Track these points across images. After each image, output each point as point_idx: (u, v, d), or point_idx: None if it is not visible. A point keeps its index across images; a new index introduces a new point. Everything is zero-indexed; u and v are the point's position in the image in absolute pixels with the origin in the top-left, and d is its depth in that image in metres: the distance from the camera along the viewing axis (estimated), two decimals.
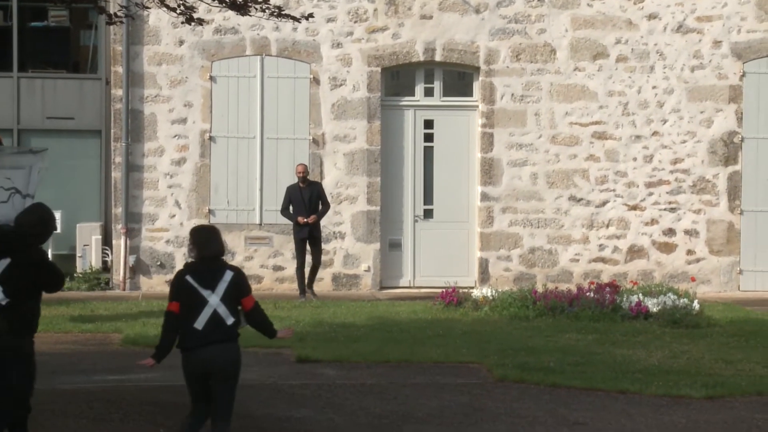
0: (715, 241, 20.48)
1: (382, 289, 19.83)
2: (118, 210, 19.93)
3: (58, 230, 8.99)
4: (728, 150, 20.45)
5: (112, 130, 20.05)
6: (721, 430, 10.55)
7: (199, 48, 20.05)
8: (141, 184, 19.88)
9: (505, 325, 16.15)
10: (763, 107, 20.42)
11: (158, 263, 19.86)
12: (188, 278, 8.40)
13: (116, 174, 19.94)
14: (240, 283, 8.48)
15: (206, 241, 8.50)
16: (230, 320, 8.39)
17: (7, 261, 8.34)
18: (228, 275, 8.43)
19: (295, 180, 18.71)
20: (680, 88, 20.41)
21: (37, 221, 8.42)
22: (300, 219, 18.33)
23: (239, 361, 8.47)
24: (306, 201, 18.41)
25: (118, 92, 19.97)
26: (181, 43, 20.03)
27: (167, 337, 8.41)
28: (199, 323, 8.32)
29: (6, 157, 8.92)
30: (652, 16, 20.38)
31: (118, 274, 19.84)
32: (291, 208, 18.45)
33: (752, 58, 20.45)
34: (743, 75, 20.42)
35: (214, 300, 8.35)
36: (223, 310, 8.35)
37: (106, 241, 20.29)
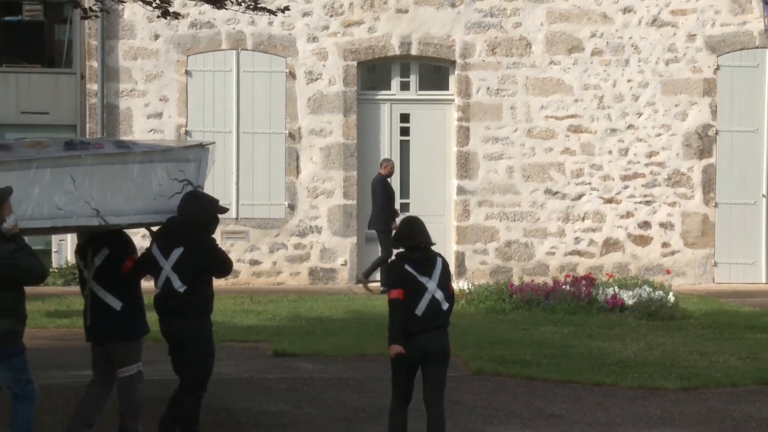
0: (689, 234, 20.57)
1: (359, 283, 19.84)
2: None
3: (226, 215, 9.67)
4: (703, 143, 20.54)
5: (87, 125, 19.99)
6: (696, 422, 10.61)
7: (175, 42, 20.01)
8: None
9: (481, 318, 16.19)
10: (737, 100, 20.51)
11: None
12: (407, 267, 8.68)
13: None
14: (448, 269, 8.87)
15: (420, 231, 8.80)
16: (445, 305, 8.76)
17: (180, 250, 8.77)
18: (439, 262, 8.79)
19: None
20: (655, 81, 20.49)
21: (204, 210, 8.89)
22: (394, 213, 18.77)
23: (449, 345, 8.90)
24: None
25: (93, 87, 19.92)
26: (157, 37, 19.98)
27: (401, 323, 8.69)
28: (419, 309, 8.65)
29: (179, 152, 9.32)
30: (627, 10, 20.44)
31: None
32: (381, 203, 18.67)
33: (726, 52, 20.53)
34: (717, 68, 20.50)
35: (432, 286, 8.69)
36: (440, 296, 8.71)
37: None
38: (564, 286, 17.28)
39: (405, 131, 20.49)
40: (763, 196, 20.46)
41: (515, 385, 12.06)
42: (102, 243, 8.95)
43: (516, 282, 18.21)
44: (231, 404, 9.59)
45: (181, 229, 8.86)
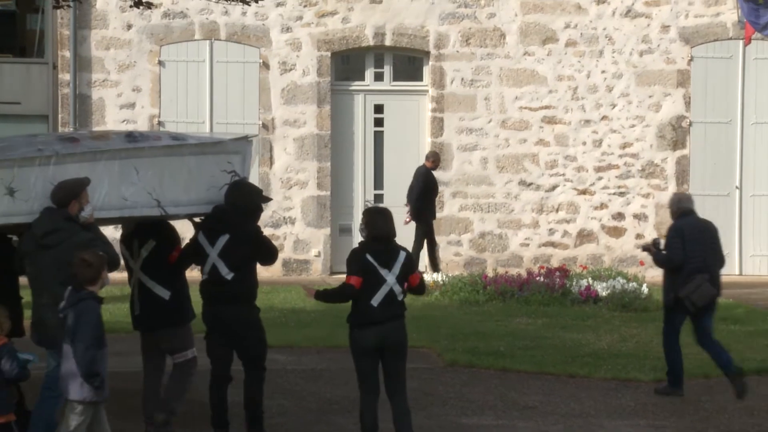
0: (663, 225, 20.59)
1: (333, 275, 19.80)
2: None
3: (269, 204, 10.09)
4: (676, 134, 20.58)
5: (59, 115, 19.88)
6: (669, 413, 10.63)
7: (148, 32, 19.90)
8: None
9: (455, 310, 16.18)
10: (711, 91, 20.55)
11: None
12: (368, 257, 8.73)
13: None
14: (411, 263, 8.95)
15: (384, 223, 8.94)
16: (401, 297, 8.80)
17: (226, 237, 9.00)
18: (402, 256, 8.84)
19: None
20: (629, 72, 20.50)
21: (248, 199, 9.16)
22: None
23: (407, 336, 8.93)
24: None
25: (65, 77, 19.80)
26: (129, 27, 19.88)
27: (337, 299, 8.91)
28: (375, 300, 8.70)
29: (228, 144, 9.53)
30: (601, 1, 20.45)
31: None
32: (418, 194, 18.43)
33: (700, 43, 20.56)
34: (691, 59, 20.54)
35: (390, 279, 8.73)
36: (397, 289, 8.75)
37: None
38: (538, 278, 17.28)
39: (379, 122, 20.46)
40: (737, 187, 20.52)
41: (489, 376, 12.06)
42: (148, 234, 9.19)
43: (490, 273, 18.21)
44: (204, 396, 9.56)
45: (227, 218, 9.08)
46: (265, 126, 19.99)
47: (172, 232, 9.39)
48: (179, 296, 9.19)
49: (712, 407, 10.86)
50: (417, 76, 20.68)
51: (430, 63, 20.35)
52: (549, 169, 20.46)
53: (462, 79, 20.32)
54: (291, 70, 20.11)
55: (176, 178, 9.10)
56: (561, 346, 13.54)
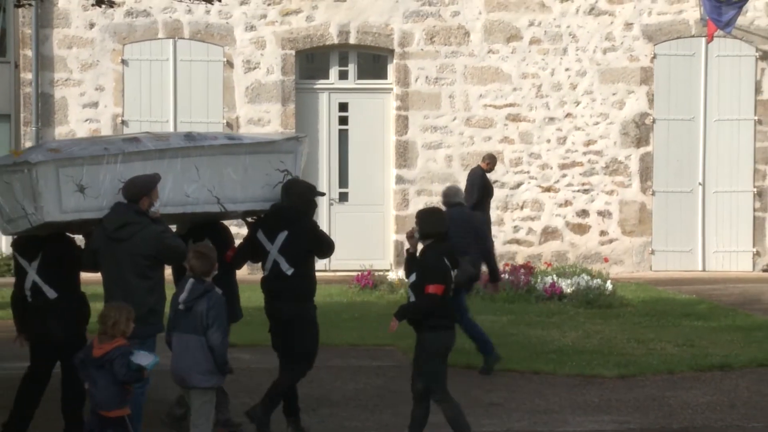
0: (627, 222, 20.69)
1: None
2: None
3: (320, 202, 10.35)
4: (640, 131, 20.66)
5: (21, 114, 19.76)
6: (633, 409, 10.68)
7: (111, 31, 19.81)
8: None
9: None
10: (674, 89, 20.65)
11: None
12: (446, 261, 8.78)
13: None
14: None
15: (445, 222, 8.98)
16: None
17: (284, 234, 9.29)
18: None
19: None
20: (593, 70, 20.57)
21: (303, 195, 9.44)
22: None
23: None
24: None
25: (27, 76, 19.69)
26: (92, 26, 19.78)
27: (419, 312, 8.82)
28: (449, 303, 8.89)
29: (281, 143, 9.83)
30: None
31: None
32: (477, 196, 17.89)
33: (663, 40, 20.66)
34: (654, 57, 20.63)
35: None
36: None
37: None
38: (503, 275, 17.29)
39: (344, 120, 20.44)
40: (700, 184, 20.62)
41: (453, 373, 11.95)
42: (203, 234, 9.40)
43: None
44: (169, 395, 9.53)
45: (285, 214, 9.36)
46: (229, 125, 19.93)
47: (227, 231, 9.73)
48: (230, 295, 9.33)
49: (676, 403, 10.91)
50: (381, 74, 20.68)
51: (395, 61, 20.36)
52: (514, 167, 20.51)
53: (426, 77, 20.33)
54: (255, 68, 20.07)
55: (233, 176, 9.41)
56: (526, 342, 13.57)
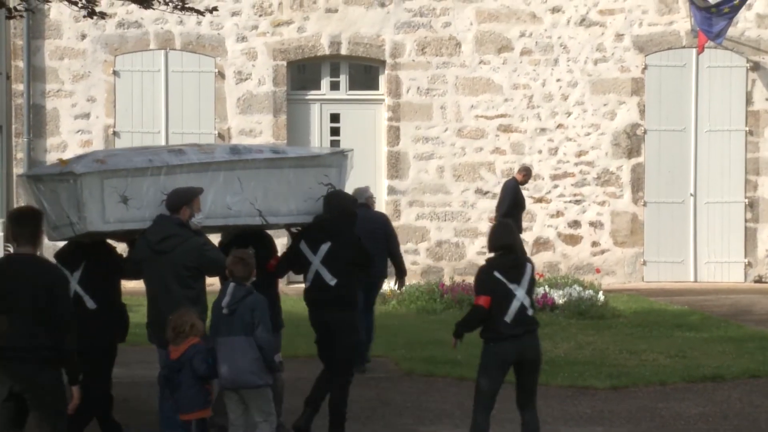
0: (619, 233, 20.71)
1: (290, 284, 19.75)
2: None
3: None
4: (631, 142, 20.69)
5: (13, 126, 19.74)
6: (625, 420, 10.68)
7: (102, 42, 19.81)
8: None
9: (412, 319, 16.18)
10: (665, 99, 20.68)
11: None
12: (496, 274, 8.73)
13: (18, 170, 19.63)
14: (534, 275, 8.99)
15: (510, 236, 8.95)
16: (531, 311, 8.82)
17: (327, 245, 9.53)
18: (529, 268, 8.85)
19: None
20: (584, 80, 20.60)
21: (346, 208, 9.71)
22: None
23: (541, 350, 9.03)
24: None
25: (19, 87, 19.68)
26: (84, 37, 19.78)
27: (473, 325, 8.86)
28: (509, 316, 8.70)
29: (325, 158, 10.08)
30: (555, 10, 20.54)
31: None
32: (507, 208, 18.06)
33: (654, 51, 20.69)
34: (645, 68, 20.66)
35: (520, 293, 8.74)
36: (527, 302, 8.77)
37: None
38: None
39: (335, 131, 20.44)
40: (691, 194, 20.64)
41: (446, 385, 12.06)
42: (247, 243, 9.45)
43: (447, 282, 18.24)
44: (156, 406, 9.51)
45: (328, 226, 9.59)
46: (221, 136, 19.93)
47: (270, 241, 9.91)
48: (272, 305, 9.39)
49: (668, 414, 10.91)
50: (373, 85, 20.69)
51: (386, 72, 20.37)
52: (505, 177, 20.48)
53: (418, 87, 20.35)
54: (247, 79, 20.08)
55: (276, 190, 9.59)
56: None
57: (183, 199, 9.00)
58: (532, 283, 8.87)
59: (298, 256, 9.65)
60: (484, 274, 8.83)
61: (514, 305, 8.69)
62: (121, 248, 9.65)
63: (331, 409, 9.70)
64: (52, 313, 7.36)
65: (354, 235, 9.76)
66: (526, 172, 18.69)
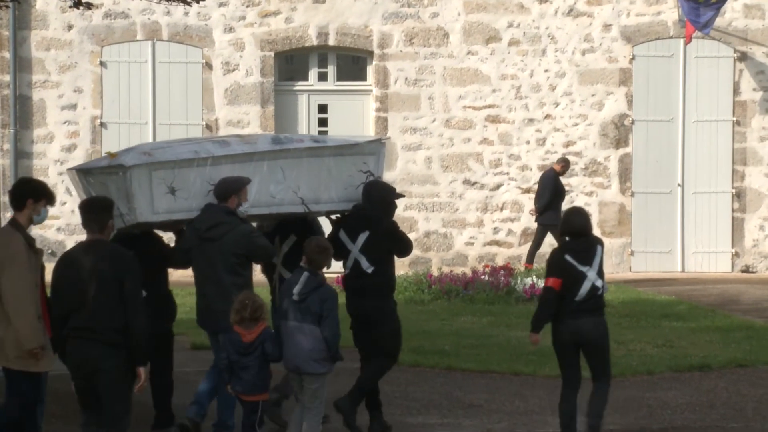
0: (607, 223, 20.73)
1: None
2: (6, 198, 19.54)
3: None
4: (619, 132, 20.70)
5: None
6: (613, 409, 10.67)
7: (89, 33, 19.75)
8: (30, 171, 19.54)
9: (400, 309, 16.00)
10: (653, 90, 20.69)
11: (49, 251, 19.51)
12: (567, 257, 9.09)
13: (4, 161, 19.59)
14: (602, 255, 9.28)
15: (582, 221, 9.29)
16: (600, 291, 9.16)
17: (366, 234, 9.68)
18: (599, 250, 9.18)
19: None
20: (572, 71, 20.60)
21: (384, 197, 9.83)
22: None
23: (608, 330, 9.33)
24: None
25: (5, 78, 19.62)
26: (70, 27, 19.72)
27: (546, 309, 9.20)
28: (579, 296, 9.06)
29: (364, 146, 10.25)
30: (543, 0, 20.52)
31: None
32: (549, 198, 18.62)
33: (641, 42, 20.70)
34: (633, 58, 20.67)
35: (591, 274, 9.10)
36: (598, 283, 9.12)
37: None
38: (483, 277, 17.32)
39: (323, 122, 20.42)
40: (679, 185, 20.67)
41: (434, 375, 12.07)
42: (289, 231, 9.83)
43: (435, 272, 18.24)
44: (149, 398, 9.50)
45: (366, 215, 9.76)
46: (208, 127, 19.89)
47: (312, 229, 9.95)
48: None
49: (655, 403, 10.93)
50: (361, 75, 20.67)
51: (374, 63, 20.35)
52: (493, 168, 20.52)
53: (406, 78, 20.33)
54: (234, 70, 20.04)
55: (317, 178, 9.83)
56: (506, 344, 13.57)
57: (232, 189, 9.23)
58: (602, 264, 9.18)
59: (336, 244, 9.71)
60: (555, 257, 9.21)
61: (585, 286, 9.05)
62: (167, 237, 9.91)
63: (357, 381, 9.76)
64: (121, 297, 7.79)
65: (391, 224, 9.89)
66: (565, 163, 19.25)
